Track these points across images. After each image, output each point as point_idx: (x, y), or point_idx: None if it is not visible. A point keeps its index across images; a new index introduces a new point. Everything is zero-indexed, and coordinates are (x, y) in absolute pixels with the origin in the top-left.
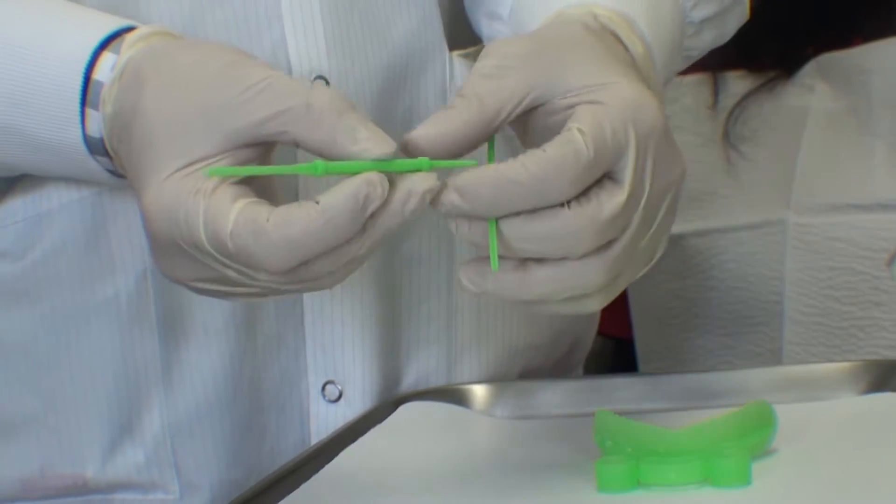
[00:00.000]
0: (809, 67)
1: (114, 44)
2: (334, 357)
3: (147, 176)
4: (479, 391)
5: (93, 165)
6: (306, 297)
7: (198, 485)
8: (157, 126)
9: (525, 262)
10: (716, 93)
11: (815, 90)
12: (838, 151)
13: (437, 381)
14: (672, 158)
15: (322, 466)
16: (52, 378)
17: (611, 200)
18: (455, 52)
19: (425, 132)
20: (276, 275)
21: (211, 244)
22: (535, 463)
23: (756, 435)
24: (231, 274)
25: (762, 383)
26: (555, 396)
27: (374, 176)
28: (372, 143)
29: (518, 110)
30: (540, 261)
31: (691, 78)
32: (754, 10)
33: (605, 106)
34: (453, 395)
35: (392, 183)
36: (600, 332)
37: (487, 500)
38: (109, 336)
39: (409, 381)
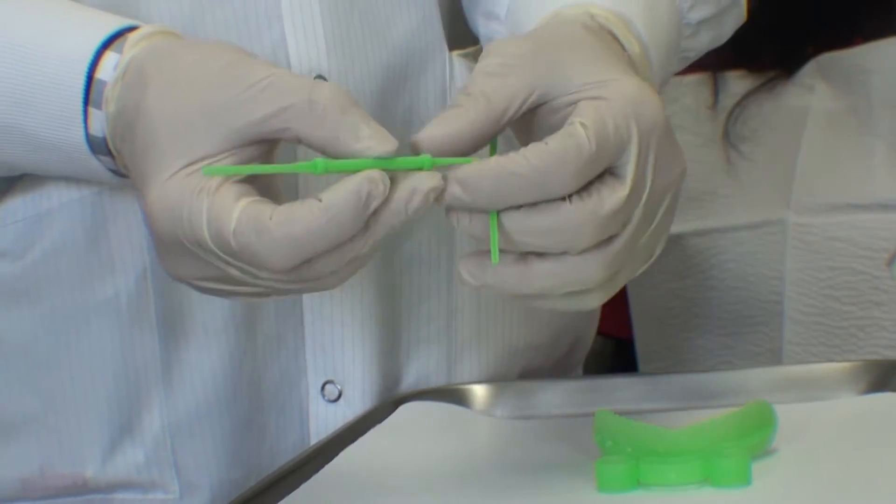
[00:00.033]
0: (809, 67)
1: (116, 43)
2: (334, 357)
3: (150, 175)
4: (479, 391)
5: (94, 165)
6: (306, 296)
7: (197, 484)
8: (159, 125)
9: (525, 255)
10: (716, 93)
11: (815, 90)
12: (838, 151)
13: (436, 380)
14: (673, 156)
15: (322, 466)
16: (51, 378)
17: (612, 195)
18: (455, 52)
19: (434, 132)
20: (279, 273)
21: (214, 242)
22: (535, 463)
23: (756, 435)
24: (234, 272)
25: (762, 383)
26: (555, 396)
27: (375, 173)
28: (375, 140)
29: (523, 108)
30: (540, 255)
31: (691, 78)
32: (754, 9)
33: (608, 101)
34: (453, 395)
35: (394, 181)
36: (600, 332)
37: (487, 500)
38: (109, 336)
39: (408, 381)
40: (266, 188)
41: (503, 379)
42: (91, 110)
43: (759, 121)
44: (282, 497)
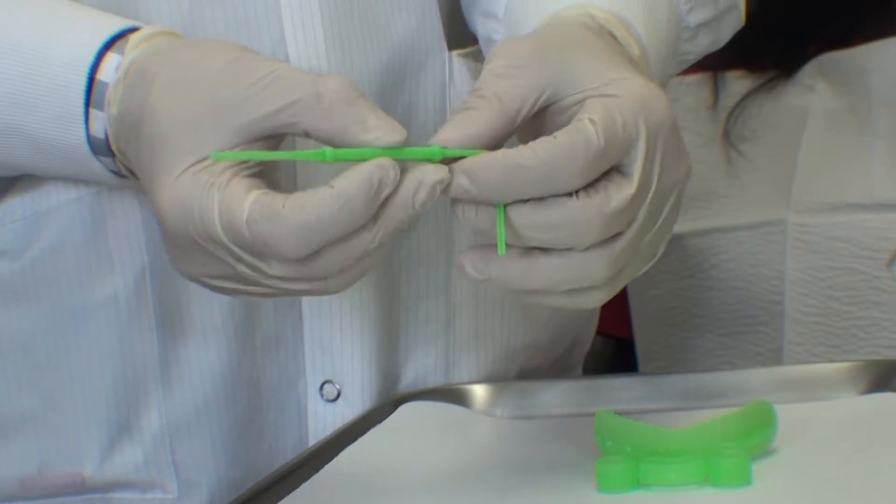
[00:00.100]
0: (810, 67)
1: (118, 44)
2: (333, 356)
3: (159, 174)
4: (480, 391)
5: (95, 165)
6: (305, 297)
7: (196, 484)
8: (166, 124)
9: (530, 250)
10: (716, 93)
11: (815, 90)
12: (838, 151)
13: (435, 379)
14: (679, 155)
15: (322, 466)
16: (50, 377)
17: (619, 193)
18: (454, 52)
19: (450, 136)
20: (290, 264)
21: (227, 234)
22: (535, 463)
23: (756, 435)
24: (243, 269)
25: (762, 383)
26: (555, 396)
27: (385, 161)
28: (383, 130)
29: (534, 109)
30: (545, 250)
31: (692, 78)
32: (754, 10)
33: (616, 98)
34: (453, 395)
35: (401, 175)
36: (600, 332)
37: (487, 500)
38: (108, 335)
39: (407, 381)
40: (273, 185)
41: (502, 378)
42: (92, 111)
43: (760, 121)
44: (282, 497)
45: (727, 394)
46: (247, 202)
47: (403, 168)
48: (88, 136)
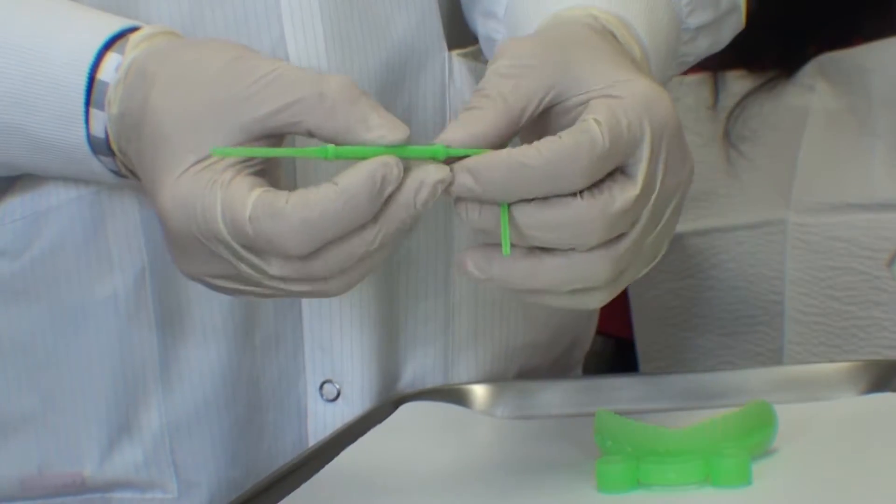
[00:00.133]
0: (810, 67)
1: (118, 44)
2: (332, 356)
3: (161, 174)
4: (480, 391)
5: (95, 165)
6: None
7: (196, 484)
8: (167, 123)
9: (532, 250)
10: (716, 92)
11: (815, 90)
12: (838, 151)
13: (434, 379)
14: (682, 157)
15: (322, 466)
16: (50, 376)
17: (623, 194)
18: (454, 52)
19: (455, 136)
20: (292, 263)
21: (230, 232)
22: (535, 463)
23: (756, 435)
24: (244, 269)
25: (762, 383)
26: (555, 396)
27: (389, 158)
28: (386, 129)
29: (539, 109)
30: (548, 250)
31: (692, 78)
32: (755, 9)
33: (621, 99)
34: (453, 395)
35: (405, 173)
36: (600, 332)
37: (487, 500)
38: (108, 334)
39: (406, 380)
40: (274, 184)
41: (501, 377)
42: (92, 111)
43: (760, 121)
44: (282, 497)
45: (727, 394)
46: (250, 199)
47: (406, 167)
48: (89, 136)
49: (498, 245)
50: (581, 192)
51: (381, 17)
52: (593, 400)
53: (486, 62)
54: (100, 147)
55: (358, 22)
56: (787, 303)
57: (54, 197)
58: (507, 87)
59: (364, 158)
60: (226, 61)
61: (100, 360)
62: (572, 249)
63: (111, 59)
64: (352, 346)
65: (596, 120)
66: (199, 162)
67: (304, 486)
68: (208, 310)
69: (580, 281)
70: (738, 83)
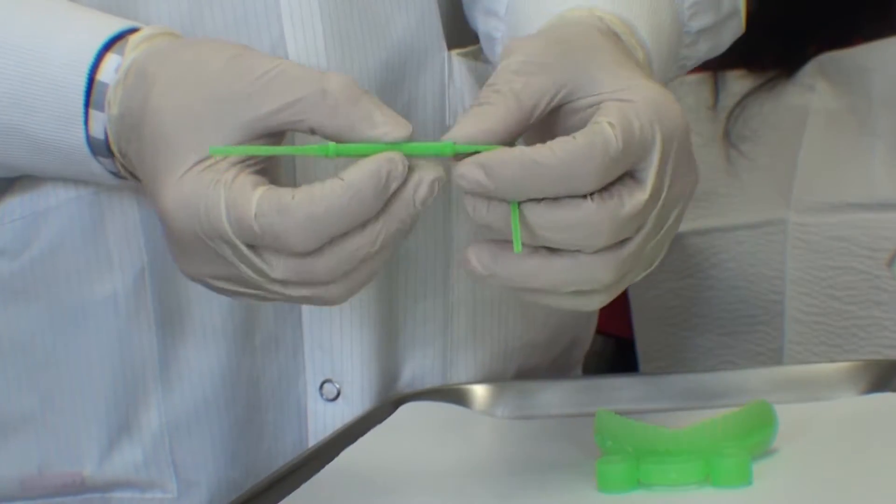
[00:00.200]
0: (810, 67)
1: (117, 45)
2: (332, 356)
3: (163, 174)
4: (480, 391)
5: (95, 166)
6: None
7: (196, 483)
8: (168, 123)
9: (537, 250)
10: (716, 92)
11: (815, 89)
12: (839, 151)
13: (433, 379)
14: (689, 164)
15: (322, 466)
16: (49, 376)
17: (632, 198)
18: (454, 51)
19: (465, 131)
20: (294, 263)
21: (234, 230)
22: (535, 463)
23: (757, 435)
24: (246, 271)
25: (763, 383)
26: (555, 396)
27: (394, 154)
28: (390, 126)
29: (550, 107)
30: (553, 250)
31: (692, 77)
32: (755, 9)
33: (633, 103)
34: (453, 395)
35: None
36: (600, 332)
37: (487, 500)
38: (107, 334)
39: (405, 380)
40: (275, 183)
41: (500, 377)
42: (92, 112)
43: (760, 120)
44: (282, 497)
45: (727, 394)
46: (254, 197)
47: (410, 167)
48: (88, 137)
49: (503, 242)
50: (591, 194)
51: (381, 16)
52: (593, 400)
53: (486, 61)
54: (99, 148)
55: (357, 21)
56: (788, 302)
57: (53, 197)
58: (519, 83)
59: (366, 156)
60: (226, 59)
61: (99, 360)
62: (578, 251)
63: (111, 60)
64: (351, 346)
65: (609, 122)
66: (200, 161)
67: (304, 486)
68: (208, 310)
69: (583, 283)
70: (738, 83)
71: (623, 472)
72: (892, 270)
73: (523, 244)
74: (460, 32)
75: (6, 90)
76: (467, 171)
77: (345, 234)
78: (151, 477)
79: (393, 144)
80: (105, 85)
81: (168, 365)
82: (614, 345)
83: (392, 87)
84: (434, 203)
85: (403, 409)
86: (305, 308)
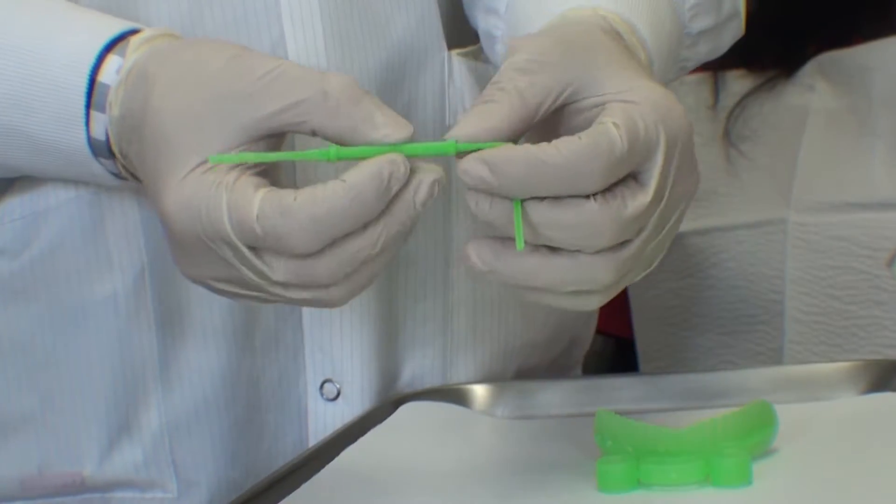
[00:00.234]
0: (810, 66)
1: (119, 46)
2: (332, 356)
3: (164, 176)
4: (480, 391)
5: (96, 167)
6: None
7: (196, 483)
8: (169, 124)
9: (538, 248)
10: (716, 92)
11: (815, 89)
12: (838, 150)
13: (432, 378)
14: (692, 166)
15: (322, 466)
16: (49, 376)
17: (634, 200)
18: (454, 51)
19: (469, 130)
20: (295, 265)
21: (236, 232)
22: (535, 463)
23: (757, 435)
24: (247, 273)
25: (763, 383)
26: (555, 396)
27: (396, 156)
28: (391, 127)
29: (554, 106)
30: (553, 249)
31: (692, 77)
32: (755, 9)
33: (638, 105)
34: (453, 395)
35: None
36: (600, 332)
37: (487, 500)
38: (107, 334)
39: (405, 380)
40: (276, 185)
41: (499, 377)
42: (93, 113)
43: (760, 120)
44: (282, 497)
45: (727, 393)
46: (256, 199)
47: (413, 169)
48: (89, 138)
49: (503, 239)
50: (594, 195)
51: (381, 16)
52: (593, 400)
53: (486, 61)
54: (100, 149)
55: (357, 21)
56: (788, 302)
57: (53, 197)
58: (524, 82)
59: (367, 159)
60: (226, 59)
61: (99, 359)
62: (578, 251)
63: (112, 61)
64: (351, 346)
65: (615, 123)
66: (202, 163)
67: (304, 486)
68: (208, 310)
69: (582, 283)
70: (738, 83)
71: (623, 472)
72: (891, 270)
73: (526, 242)
74: (460, 32)
75: (6, 91)
76: (471, 167)
77: (346, 236)
78: (151, 477)
79: (394, 146)
80: (106, 86)
81: (168, 365)
82: (614, 345)
83: (392, 87)
84: (434, 203)
85: (403, 409)
86: (306, 308)
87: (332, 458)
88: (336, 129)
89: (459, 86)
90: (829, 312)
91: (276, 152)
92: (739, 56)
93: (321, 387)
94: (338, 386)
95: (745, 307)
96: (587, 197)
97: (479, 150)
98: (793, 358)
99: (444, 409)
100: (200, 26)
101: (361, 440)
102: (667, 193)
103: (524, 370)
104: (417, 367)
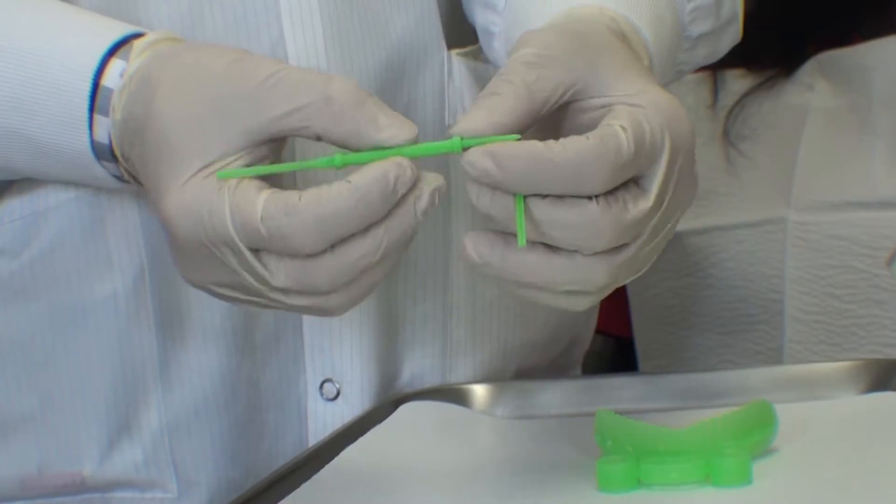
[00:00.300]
0: (809, 66)
1: (122, 50)
2: (332, 356)
3: (166, 181)
4: (480, 391)
5: (98, 171)
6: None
7: (196, 483)
8: (170, 127)
9: (534, 246)
10: (715, 91)
11: (814, 88)
12: (838, 149)
13: (432, 378)
14: (691, 175)
15: (322, 466)
16: (49, 376)
17: (636, 205)
18: (453, 51)
19: (474, 125)
20: (296, 270)
21: (240, 234)
22: (535, 463)
23: (757, 434)
24: (248, 279)
25: (763, 382)
26: (555, 396)
27: (403, 160)
28: (395, 128)
29: (560, 101)
30: (551, 248)
31: (691, 77)
32: (754, 9)
33: (644, 109)
34: (453, 395)
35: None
36: (600, 331)
37: (487, 499)
38: (107, 334)
39: (405, 379)
40: (277, 187)
41: (499, 377)
42: (96, 117)
43: (759, 119)
44: (282, 497)
45: (727, 393)
46: (260, 200)
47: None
48: (92, 142)
49: (501, 233)
50: (596, 197)
51: (381, 16)
52: (593, 400)
53: (485, 61)
54: (103, 153)
55: (357, 21)
56: (787, 301)
57: (53, 197)
58: (532, 75)
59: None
60: (227, 63)
61: (99, 359)
62: (576, 251)
63: (115, 65)
64: (351, 346)
65: (622, 126)
66: (204, 168)
67: (304, 486)
68: (208, 310)
69: (577, 283)
70: (737, 82)
71: (623, 472)
72: (891, 269)
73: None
74: (460, 32)
75: (5, 94)
76: (476, 159)
77: (348, 241)
78: (152, 477)
79: (398, 149)
80: (110, 90)
81: (168, 365)
82: (614, 344)
83: (392, 87)
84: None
85: (403, 409)
86: None
87: (332, 458)
88: (340, 133)
89: (459, 86)
90: (828, 312)
91: (281, 164)
92: (739, 55)
93: (321, 387)
94: (337, 386)
95: (745, 306)
96: (589, 198)
97: (484, 143)
98: (792, 357)
99: (443, 409)
100: (200, 26)
101: (361, 440)
102: (667, 199)
103: (524, 370)
104: (417, 367)
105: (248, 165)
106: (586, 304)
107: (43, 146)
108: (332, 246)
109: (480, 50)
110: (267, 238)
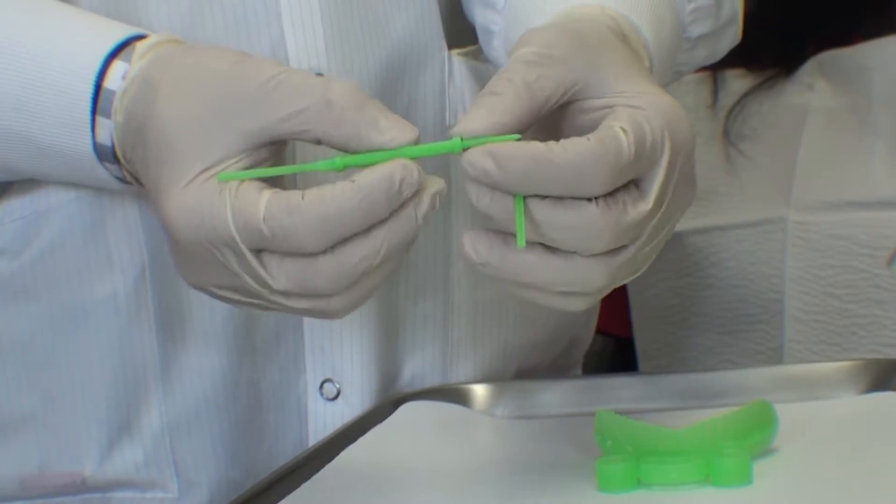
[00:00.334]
0: (809, 65)
1: (124, 52)
2: (332, 356)
3: (167, 183)
4: (480, 391)
5: (100, 172)
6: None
7: (196, 483)
8: (172, 129)
9: (533, 246)
10: (715, 91)
11: (814, 88)
12: (838, 149)
13: (432, 378)
14: (691, 178)
15: (322, 466)
16: (50, 376)
17: (635, 208)
18: (454, 51)
19: (475, 125)
20: (297, 271)
21: (241, 235)
22: (535, 463)
23: (757, 434)
24: (248, 282)
25: (763, 382)
26: (555, 396)
27: (409, 162)
28: (396, 131)
29: (561, 101)
30: (549, 249)
31: (691, 77)
32: (754, 9)
33: (646, 112)
34: (453, 395)
35: None
36: (600, 331)
37: (487, 499)
38: (108, 334)
39: (405, 379)
40: (279, 188)
41: (499, 377)
42: (99, 119)
43: (759, 119)
44: (282, 497)
45: (727, 393)
46: (262, 200)
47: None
48: (95, 144)
49: (501, 233)
50: (596, 198)
51: (381, 16)
52: (593, 400)
53: (486, 61)
54: (105, 155)
55: (357, 21)
56: (787, 301)
57: (54, 196)
58: (533, 74)
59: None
60: (228, 65)
61: (100, 359)
62: (574, 252)
63: (117, 67)
64: (351, 346)
65: (623, 128)
66: (205, 171)
67: (304, 486)
68: (209, 310)
69: (575, 284)
70: (737, 82)
71: (623, 472)
72: (891, 269)
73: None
74: (460, 32)
75: (7, 94)
76: (476, 159)
77: (349, 241)
78: (152, 477)
79: (399, 150)
80: (112, 92)
81: (169, 365)
82: (614, 344)
83: (392, 87)
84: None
85: (403, 409)
86: None
87: (332, 458)
88: (341, 136)
89: (459, 86)
90: (828, 311)
91: (282, 167)
92: (739, 55)
93: (321, 387)
94: (338, 386)
95: (745, 306)
96: (589, 200)
97: (485, 143)
98: (793, 357)
99: (444, 409)
100: (200, 27)
101: (361, 440)
102: (666, 201)
103: (524, 370)
104: (417, 367)
105: (248, 167)
106: (584, 304)
107: (45, 148)
108: (333, 247)
109: (481, 50)
110: (270, 238)
